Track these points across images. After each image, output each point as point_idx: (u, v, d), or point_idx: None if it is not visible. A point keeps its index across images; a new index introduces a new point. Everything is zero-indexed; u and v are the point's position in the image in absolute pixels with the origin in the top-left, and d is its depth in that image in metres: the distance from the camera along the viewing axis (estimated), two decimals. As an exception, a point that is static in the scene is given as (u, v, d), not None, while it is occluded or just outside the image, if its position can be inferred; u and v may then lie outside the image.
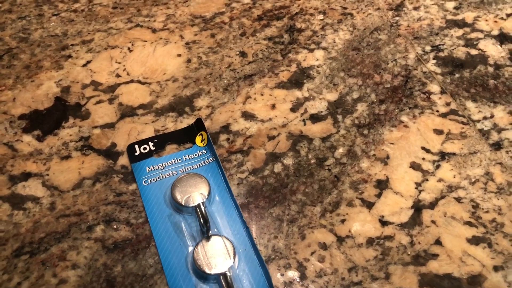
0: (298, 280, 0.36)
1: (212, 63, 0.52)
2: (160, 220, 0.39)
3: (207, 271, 0.35)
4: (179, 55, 0.52)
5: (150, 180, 0.42)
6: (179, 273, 0.36)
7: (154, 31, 0.55)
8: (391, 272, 0.36)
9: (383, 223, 0.39)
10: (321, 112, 0.47)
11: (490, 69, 0.50)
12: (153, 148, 0.44)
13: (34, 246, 0.38)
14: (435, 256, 0.37)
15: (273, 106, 0.48)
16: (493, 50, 0.52)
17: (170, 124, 0.46)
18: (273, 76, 0.50)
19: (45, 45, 0.54)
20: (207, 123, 0.46)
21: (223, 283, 0.35)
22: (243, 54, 0.53)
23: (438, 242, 0.38)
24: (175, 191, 0.40)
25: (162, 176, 0.42)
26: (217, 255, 0.36)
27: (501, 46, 0.53)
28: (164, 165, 0.43)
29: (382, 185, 0.41)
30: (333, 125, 0.46)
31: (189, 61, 0.52)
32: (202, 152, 0.44)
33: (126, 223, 0.39)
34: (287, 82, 0.50)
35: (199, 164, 0.43)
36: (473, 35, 0.54)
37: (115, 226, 0.39)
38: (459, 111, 0.47)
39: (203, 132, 0.44)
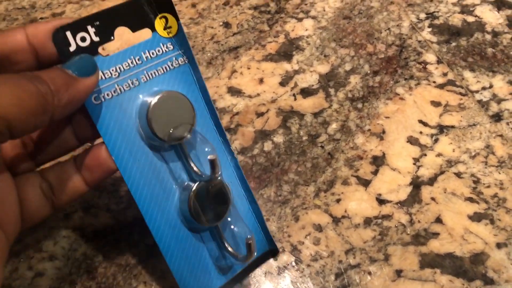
0: (293, 264, 0.34)
1: (193, 35, 0.48)
2: (130, 160, 0.28)
3: (204, 221, 0.30)
4: (158, 27, 0.49)
5: (104, 96, 0.28)
6: (168, 228, 0.29)
7: (130, 1, 0.51)
8: (391, 253, 0.34)
9: (381, 201, 0.37)
10: (312, 85, 0.44)
11: (488, 37, 0.48)
12: (96, 39, 0.27)
13: (6, 237, 0.35)
14: (435, 235, 0.35)
15: (261, 81, 0.45)
16: (491, 17, 0.50)
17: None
18: (260, 48, 0.47)
19: (11, 18, 0.50)
20: (190, 100, 0.43)
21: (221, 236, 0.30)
22: (227, 25, 0.49)
23: (438, 220, 0.36)
24: (154, 120, 0.28)
25: (120, 89, 0.28)
26: (214, 203, 0.30)
27: (498, 12, 0.50)
28: (119, 70, 0.28)
29: (379, 161, 0.39)
30: (325, 99, 0.43)
31: (169, 33, 0.48)
32: (167, 48, 0.30)
33: (106, 210, 0.36)
34: (275, 54, 0.47)
35: (164, 68, 0.30)
36: (469, 1, 0.52)
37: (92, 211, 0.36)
38: (457, 82, 0.44)
39: (167, 15, 0.29)
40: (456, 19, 0.50)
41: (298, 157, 0.39)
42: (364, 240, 0.35)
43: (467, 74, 0.45)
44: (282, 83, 0.44)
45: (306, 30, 0.49)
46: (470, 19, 0.50)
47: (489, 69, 0.45)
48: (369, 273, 0.33)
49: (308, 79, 0.45)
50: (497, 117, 0.42)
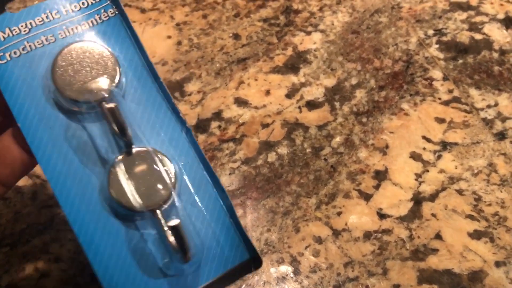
0: (291, 275, 0.34)
1: (203, 46, 0.49)
2: (39, 127, 0.23)
3: (138, 207, 0.22)
4: (169, 37, 0.50)
5: (10, 54, 0.24)
6: (91, 215, 0.23)
7: (143, 11, 0.53)
8: (389, 268, 0.35)
9: (381, 216, 0.37)
10: (318, 98, 0.45)
11: (495, 55, 0.48)
12: None
13: (14, 238, 0.36)
14: (435, 251, 0.35)
15: (268, 92, 0.45)
16: (499, 35, 0.50)
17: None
18: (268, 60, 0.48)
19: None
20: (197, 109, 0.44)
21: (173, 237, 0.22)
22: (236, 37, 0.50)
23: (438, 236, 0.36)
24: (59, 75, 0.23)
25: (30, 47, 0.25)
26: (147, 181, 0.23)
27: (506, 30, 0.51)
28: (29, 26, 0.25)
29: (381, 176, 0.40)
30: (330, 113, 0.44)
31: (179, 43, 0.49)
32: None
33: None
34: (283, 67, 0.47)
35: (91, 22, 0.25)
36: (478, 19, 0.52)
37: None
38: (462, 99, 0.45)
39: None
40: (464, 36, 0.50)
41: (301, 169, 0.40)
42: (363, 254, 0.35)
43: (473, 91, 0.45)
44: (288, 95, 0.45)
45: (314, 43, 0.49)
46: (478, 36, 0.50)
47: (495, 87, 0.45)
48: (367, 287, 0.34)
49: (314, 92, 0.45)
50: (501, 136, 0.42)
